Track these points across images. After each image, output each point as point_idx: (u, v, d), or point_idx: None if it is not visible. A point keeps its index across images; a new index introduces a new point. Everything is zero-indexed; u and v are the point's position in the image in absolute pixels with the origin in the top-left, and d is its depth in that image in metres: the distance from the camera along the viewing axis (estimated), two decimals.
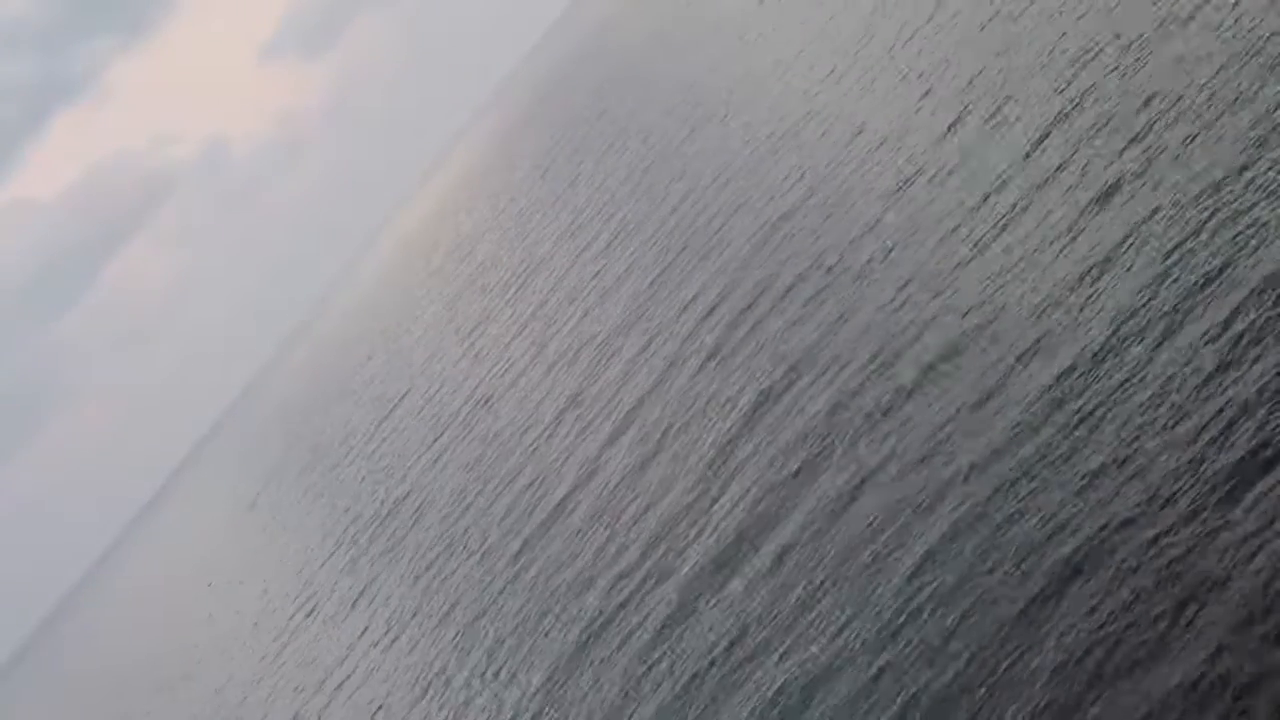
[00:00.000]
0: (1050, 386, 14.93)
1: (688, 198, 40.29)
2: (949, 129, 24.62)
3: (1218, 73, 17.19)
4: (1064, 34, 23.19)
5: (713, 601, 18.19)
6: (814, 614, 15.73)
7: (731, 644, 16.74)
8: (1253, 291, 13.26)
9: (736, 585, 17.84)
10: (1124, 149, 17.98)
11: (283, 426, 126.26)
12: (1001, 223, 19.40)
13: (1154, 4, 20.69)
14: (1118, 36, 21.11)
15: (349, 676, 32.80)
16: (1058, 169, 19.26)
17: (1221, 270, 14.01)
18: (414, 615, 31.87)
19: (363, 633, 35.14)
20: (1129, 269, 15.50)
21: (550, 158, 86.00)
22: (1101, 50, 21.26)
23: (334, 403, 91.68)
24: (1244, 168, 15.06)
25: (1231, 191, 14.96)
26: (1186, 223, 15.19)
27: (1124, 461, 12.96)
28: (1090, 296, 15.79)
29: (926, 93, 27.62)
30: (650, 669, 18.34)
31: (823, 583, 16.08)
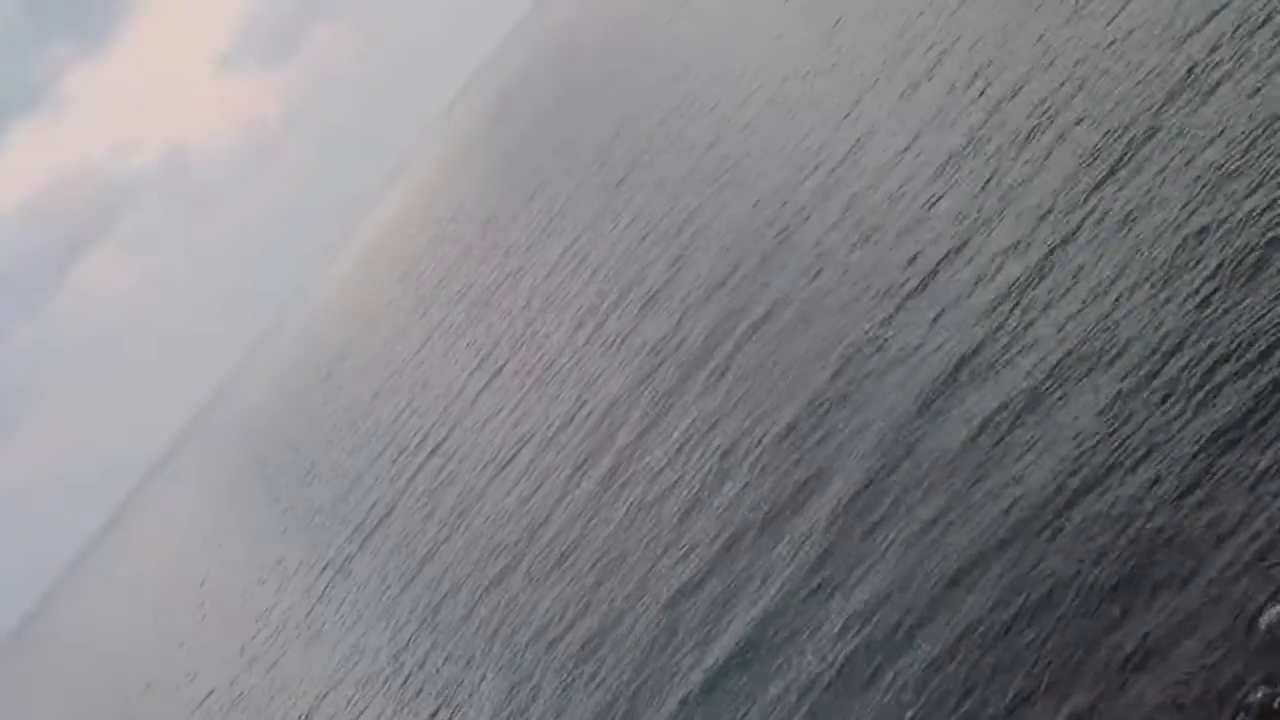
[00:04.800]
0: (1058, 427, 14.66)
1: (653, 201, 40.41)
2: (923, 124, 24.57)
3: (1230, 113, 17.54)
4: (1070, 46, 23.04)
5: (696, 625, 18.19)
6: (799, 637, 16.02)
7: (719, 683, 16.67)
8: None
9: (723, 612, 17.71)
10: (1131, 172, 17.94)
11: (250, 433, 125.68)
12: (1003, 247, 18.85)
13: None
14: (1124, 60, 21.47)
15: (312, 683, 32.94)
16: (1065, 193, 18.44)
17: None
18: (381, 625, 32.03)
19: (330, 643, 35.25)
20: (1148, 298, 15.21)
21: (514, 164, 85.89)
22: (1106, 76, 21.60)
23: (301, 409, 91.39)
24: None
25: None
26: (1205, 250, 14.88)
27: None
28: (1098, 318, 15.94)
29: (898, 94, 27.56)
30: (627, 692, 18.61)
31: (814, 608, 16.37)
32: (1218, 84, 16.45)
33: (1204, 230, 14.56)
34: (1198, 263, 14.23)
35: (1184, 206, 15.27)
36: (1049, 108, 20.08)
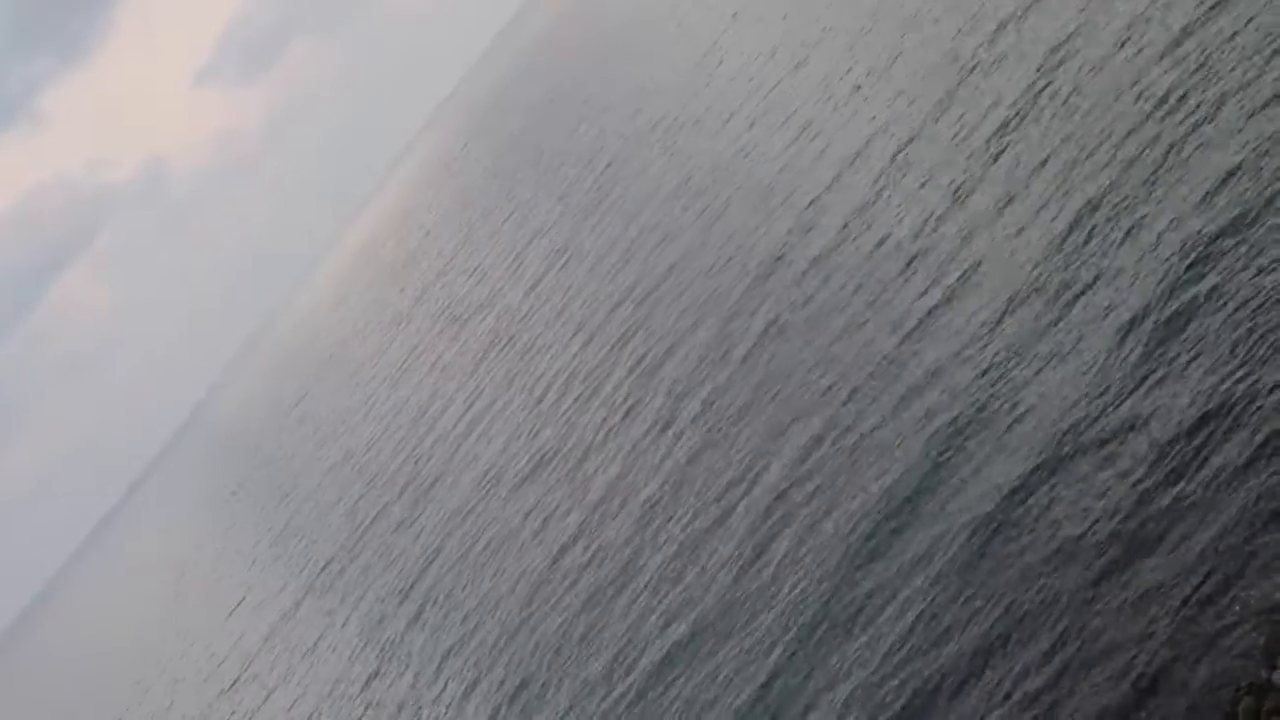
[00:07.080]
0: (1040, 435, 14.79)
1: (636, 219, 40.20)
2: (908, 140, 24.45)
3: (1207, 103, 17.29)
4: (1047, 54, 22.93)
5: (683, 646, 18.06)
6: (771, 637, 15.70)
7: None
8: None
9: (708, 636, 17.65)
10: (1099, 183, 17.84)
11: (231, 450, 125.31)
12: (979, 251, 19.13)
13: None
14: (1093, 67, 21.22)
15: (292, 705, 32.62)
16: (1040, 195, 18.76)
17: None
18: (364, 645, 31.72)
19: (309, 661, 34.96)
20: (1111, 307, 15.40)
21: (495, 179, 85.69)
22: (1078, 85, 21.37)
23: (282, 426, 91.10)
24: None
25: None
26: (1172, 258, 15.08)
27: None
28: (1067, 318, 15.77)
29: (886, 104, 27.36)
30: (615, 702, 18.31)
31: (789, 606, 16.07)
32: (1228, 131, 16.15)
33: (1227, 278, 14.17)
34: (1220, 319, 13.80)
35: (1202, 254, 14.91)
36: (1055, 142, 19.73)
